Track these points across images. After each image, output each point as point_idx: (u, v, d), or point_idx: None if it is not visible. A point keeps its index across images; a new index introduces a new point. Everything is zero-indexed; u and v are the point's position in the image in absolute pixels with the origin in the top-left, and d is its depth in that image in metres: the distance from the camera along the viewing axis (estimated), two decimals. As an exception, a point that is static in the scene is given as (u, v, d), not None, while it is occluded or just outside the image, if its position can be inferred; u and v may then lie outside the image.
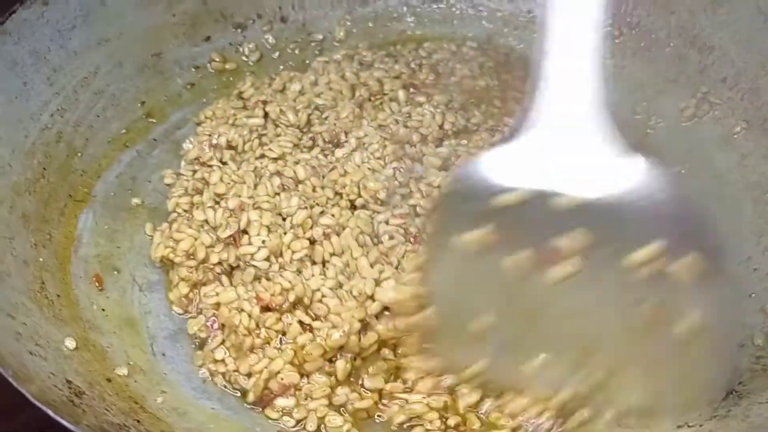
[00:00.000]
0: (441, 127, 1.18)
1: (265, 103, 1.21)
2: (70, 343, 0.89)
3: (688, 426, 0.85)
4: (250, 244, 1.01)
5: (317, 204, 1.05)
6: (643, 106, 1.24)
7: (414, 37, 1.39)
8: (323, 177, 1.09)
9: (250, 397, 0.92)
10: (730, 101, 1.16)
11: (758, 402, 0.83)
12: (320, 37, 1.37)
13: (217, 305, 0.98)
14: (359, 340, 0.93)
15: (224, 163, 1.14)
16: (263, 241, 1.00)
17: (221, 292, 0.99)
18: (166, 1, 1.25)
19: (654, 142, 1.19)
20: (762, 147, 1.11)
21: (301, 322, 0.94)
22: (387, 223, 1.04)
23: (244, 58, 1.33)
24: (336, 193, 1.08)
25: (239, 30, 1.33)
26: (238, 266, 1.02)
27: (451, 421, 0.90)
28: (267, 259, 1.00)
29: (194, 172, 1.14)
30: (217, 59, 1.30)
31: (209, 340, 0.97)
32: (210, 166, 1.14)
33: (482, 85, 1.27)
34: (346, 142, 1.14)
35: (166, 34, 1.26)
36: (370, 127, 1.16)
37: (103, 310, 0.98)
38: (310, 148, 1.15)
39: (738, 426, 0.81)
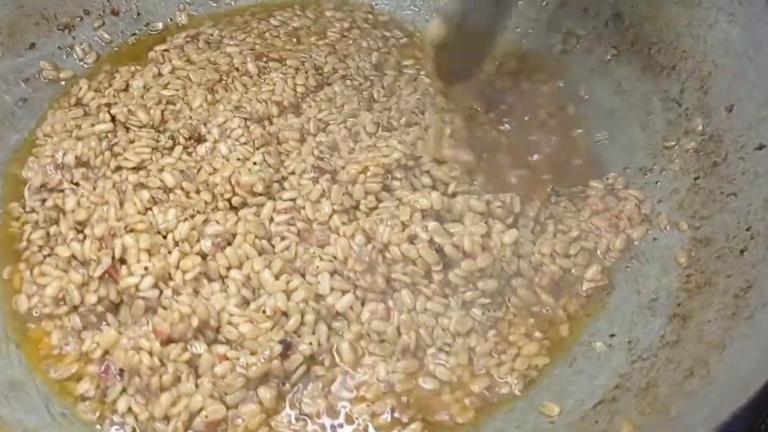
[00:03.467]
0: (294, 89, 1.09)
1: (109, 105, 1.07)
2: (-44, 427, 0.75)
3: (642, 359, 0.84)
4: (131, 274, 0.89)
5: (197, 212, 0.94)
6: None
7: (264, 6, 1.30)
8: (194, 180, 0.98)
9: (175, 443, 0.81)
10: (595, 30, 1.14)
11: (706, 321, 0.83)
12: (160, 25, 1.25)
13: (105, 352, 0.87)
14: (282, 364, 0.84)
15: (77, 184, 1.00)
16: (146, 268, 0.89)
17: (101, 338, 0.87)
18: (-24, 12, 1.08)
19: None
20: (636, 70, 1.11)
21: (211, 350, 0.84)
22: (272, 220, 0.95)
23: (79, 62, 1.19)
24: (213, 196, 0.97)
25: (66, 31, 1.20)
26: (122, 301, 0.90)
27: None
28: (155, 286, 0.88)
29: (43, 201, 1.00)
30: (49, 67, 1.15)
31: (108, 391, 0.85)
32: (61, 190, 1.00)
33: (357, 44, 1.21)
34: (208, 133, 1.03)
35: (-18, 47, 1.10)
36: (227, 111, 1.05)
37: (-19, 378, 0.84)
38: (171, 149, 1.03)
39: (694, 348, 0.80)
